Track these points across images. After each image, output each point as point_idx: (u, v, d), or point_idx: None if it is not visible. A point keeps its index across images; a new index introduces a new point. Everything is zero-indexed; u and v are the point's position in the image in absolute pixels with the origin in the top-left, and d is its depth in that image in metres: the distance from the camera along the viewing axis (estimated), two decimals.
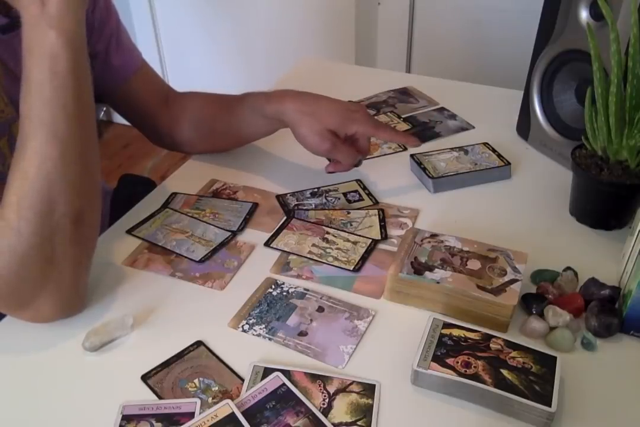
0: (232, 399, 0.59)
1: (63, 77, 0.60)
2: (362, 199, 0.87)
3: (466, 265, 0.69)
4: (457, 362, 0.59)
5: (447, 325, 0.63)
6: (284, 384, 0.60)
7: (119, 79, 0.93)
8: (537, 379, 0.58)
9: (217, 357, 0.64)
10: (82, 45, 0.62)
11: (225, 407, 0.58)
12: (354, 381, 0.61)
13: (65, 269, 0.64)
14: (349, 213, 0.84)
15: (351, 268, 0.75)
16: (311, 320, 0.68)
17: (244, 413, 0.57)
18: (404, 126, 1.05)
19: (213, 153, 0.99)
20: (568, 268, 0.72)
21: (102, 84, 0.92)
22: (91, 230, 0.67)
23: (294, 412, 0.58)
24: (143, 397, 0.61)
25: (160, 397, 0.60)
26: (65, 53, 0.60)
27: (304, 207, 0.86)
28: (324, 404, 0.59)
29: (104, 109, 2.56)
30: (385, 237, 0.80)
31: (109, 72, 0.92)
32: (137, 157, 2.42)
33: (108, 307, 0.70)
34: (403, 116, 1.08)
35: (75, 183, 0.62)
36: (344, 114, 0.83)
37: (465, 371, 0.58)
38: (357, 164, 0.86)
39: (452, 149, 0.96)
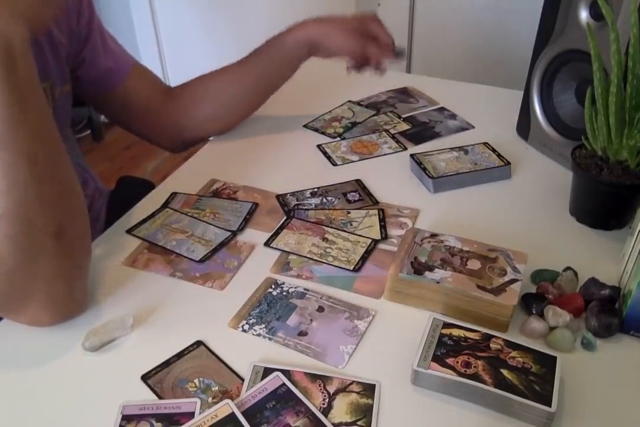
0: (232, 399, 0.59)
1: (21, 89, 0.57)
2: (362, 199, 0.87)
3: (466, 265, 0.69)
4: (457, 362, 0.59)
5: (447, 325, 0.63)
6: (284, 384, 0.60)
7: (112, 81, 0.94)
8: (537, 379, 0.58)
9: (217, 357, 0.64)
10: (31, 52, 0.59)
11: (225, 407, 0.58)
12: (354, 381, 0.61)
13: (55, 281, 0.63)
14: (349, 213, 0.84)
15: (351, 268, 0.75)
16: (311, 320, 0.68)
17: (244, 413, 0.57)
18: (404, 126, 1.05)
19: (240, 121, 1.03)
20: (568, 268, 0.72)
21: (98, 88, 0.92)
22: (78, 241, 0.66)
23: (294, 412, 0.58)
24: (143, 397, 0.60)
25: (160, 397, 0.60)
26: (24, 59, 0.57)
27: (304, 207, 0.86)
28: (324, 404, 0.59)
29: None
30: (385, 237, 0.80)
31: (102, 76, 0.93)
32: (138, 159, 2.43)
33: (108, 307, 0.70)
34: (403, 116, 1.08)
35: (52, 200, 0.60)
36: (358, 17, 0.97)
37: (465, 371, 0.58)
38: (402, 54, 0.98)
39: (452, 149, 0.96)
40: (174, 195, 0.88)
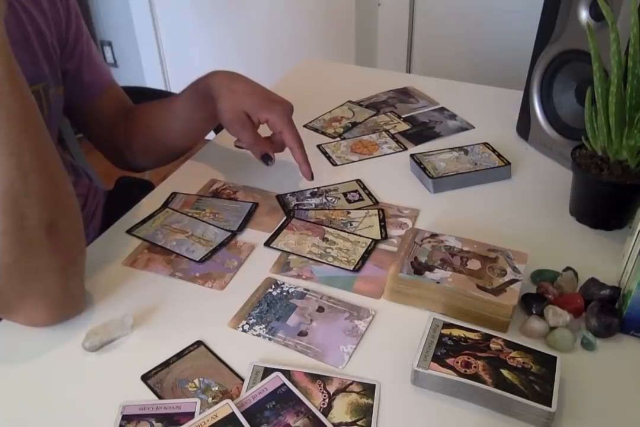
0: (232, 399, 0.59)
1: (2, 84, 0.57)
2: (362, 199, 0.87)
3: (466, 265, 0.69)
4: (457, 362, 0.59)
5: (447, 325, 0.63)
6: (284, 384, 0.60)
7: (89, 94, 0.94)
8: (537, 379, 0.58)
9: (217, 357, 0.64)
10: (10, 51, 0.59)
11: (225, 407, 0.58)
12: (354, 381, 0.61)
13: (50, 278, 0.63)
14: (349, 213, 0.84)
15: (351, 268, 0.75)
16: (311, 320, 0.68)
17: (244, 413, 0.57)
18: (404, 126, 1.05)
19: (167, 162, 1.00)
20: (568, 268, 0.72)
21: (72, 99, 0.93)
22: (71, 236, 0.65)
23: (294, 412, 0.58)
24: (143, 397, 0.60)
25: (160, 397, 0.60)
26: (5, 50, 0.57)
27: (304, 207, 0.86)
28: (324, 404, 0.59)
29: None
30: (385, 237, 0.80)
31: (81, 88, 0.93)
32: None
33: (108, 307, 0.70)
34: (403, 116, 1.08)
35: (40, 193, 0.60)
36: (262, 101, 0.83)
37: (465, 371, 0.58)
38: (265, 160, 0.85)
39: (452, 149, 0.96)
40: (174, 195, 0.88)
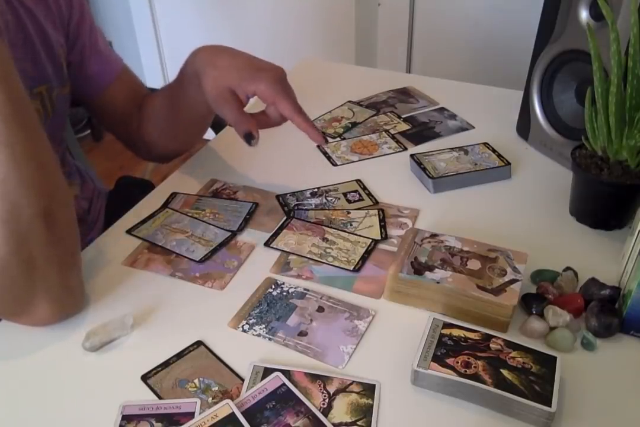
0: (232, 399, 0.59)
1: None
2: (362, 199, 0.87)
3: (466, 265, 0.69)
4: (457, 362, 0.59)
5: (447, 325, 0.63)
6: (284, 384, 0.60)
7: (96, 87, 0.93)
8: (537, 379, 0.58)
9: (217, 357, 0.64)
10: (3, 41, 0.58)
11: (225, 407, 0.58)
12: (354, 381, 0.61)
13: (50, 271, 0.63)
14: (349, 213, 0.84)
15: (351, 268, 0.75)
16: (311, 320, 0.68)
17: (244, 413, 0.57)
18: (404, 126, 1.05)
19: (183, 150, 0.99)
20: (568, 268, 0.72)
21: (81, 92, 0.92)
22: (67, 227, 0.65)
23: (294, 412, 0.58)
24: (143, 397, 0.60)
25: (160, 397, 0.60)
26: None
27: (304, 207, 0.86)
28: (324, 404, 0.59)
29: None
30: (385, 237, 0.80)
31: (86, 81, 0.91)
32: (138, 158, 2.42)
33: (108, 307, 0.70)
34: (403, 116, 1.08)
35: (34, 183, 0.60)
36: (246, 72, 0.75)
37: (465, 371, 0.58)
38: (247, 140, 0.77)
39: (452, 149, 0.96)
40: (174, 195, 0.88)
